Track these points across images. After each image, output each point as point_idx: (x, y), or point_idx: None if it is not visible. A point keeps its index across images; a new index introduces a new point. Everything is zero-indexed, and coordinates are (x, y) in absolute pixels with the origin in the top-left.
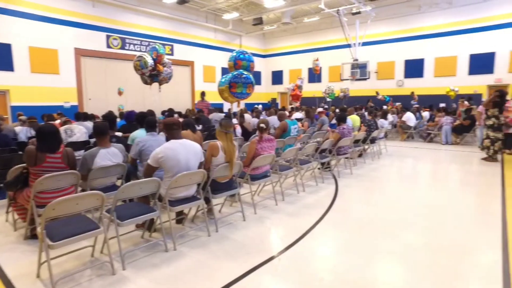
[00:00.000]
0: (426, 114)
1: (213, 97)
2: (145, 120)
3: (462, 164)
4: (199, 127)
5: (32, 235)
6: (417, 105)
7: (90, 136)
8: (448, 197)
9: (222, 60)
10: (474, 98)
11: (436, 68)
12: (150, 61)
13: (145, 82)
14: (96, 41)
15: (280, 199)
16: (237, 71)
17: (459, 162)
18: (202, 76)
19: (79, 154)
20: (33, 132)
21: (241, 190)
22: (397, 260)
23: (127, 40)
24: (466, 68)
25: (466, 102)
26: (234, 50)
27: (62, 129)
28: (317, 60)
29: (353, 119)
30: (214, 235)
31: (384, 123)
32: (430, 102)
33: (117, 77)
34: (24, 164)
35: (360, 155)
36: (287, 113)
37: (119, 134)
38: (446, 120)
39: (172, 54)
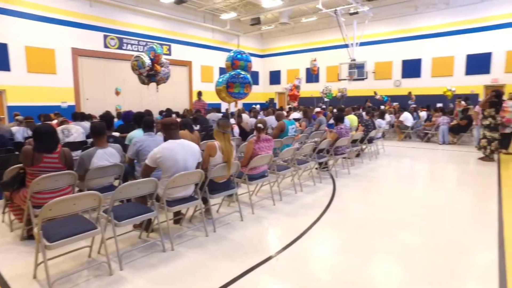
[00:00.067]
0: (423, 114)
1: (211, 97)
2: (142, 120)
3: (459, 163)
4: (197, 127)
5: (28, 236)
6: (414, 105)
7: (88, 136)
8: (445, 197)
9: (220, 60)
10: (471, 98)
11: (433, 68)
12: (147, 61)
13: (143, 82)
14: (94, 41)
15: (277, 199)
16: (234, 71)
17: (456, 162)
18: (200, 76)
19: (76, 154)
20: (30, 132)
21: (239, 190)
22: (395, 260)
23: (124, 40)
24: (463, 68)
25: (463, 102)
26: (232, 50)
27: (59, 129)
28: (315, 60)
29: (351, 119)
30: (211, 235)
31: (381, 123)
32: (427, 102)
33: (114, 77)
34: (20, 165)
35: (357, 155)
36: (285, 113)
37: (116, 134)
38: (443, 120)
39: (169, 54)
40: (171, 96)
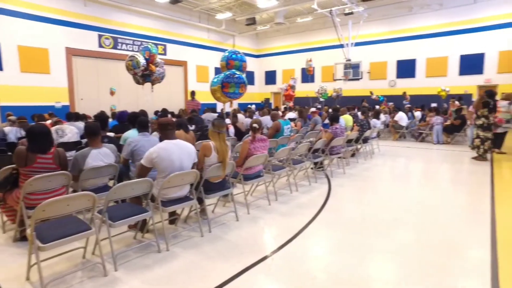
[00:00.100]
0: (418, 114)
1: (206, 97)
2: (137, 120)
3: (453, 163)
4: (192, 127)
5: (21, 237)
6: (409, 105)
7: (82, 137)
8: (440, 196)
9: (215, 60)
10: (464, 98)
11: (427, 69)
12: (142, 61)
13: (138, 82)
14: (88, 41)
15: (273, 199)
16: (229, 71)
17: (450, 161)
18: (195, 76)
19: (71, 154)
20: (23, 133)
21: (234, 190)
22: (390, 258)
23: (119, 40)
24: (456, 69)
25: (456, 102)
26: (227, 50)
27: (53, 129)
28: (310, 60)
29: (346, 119)
30: (207, 236)
31: (376, 123)
32: (421, 102)
33: (109, 77)
34: (13, 165)
35: (353, 155)
36: (280, 113)
37: (111, 134)
38: (437, 120)
39: (165, 54)
40: (166, 96)
